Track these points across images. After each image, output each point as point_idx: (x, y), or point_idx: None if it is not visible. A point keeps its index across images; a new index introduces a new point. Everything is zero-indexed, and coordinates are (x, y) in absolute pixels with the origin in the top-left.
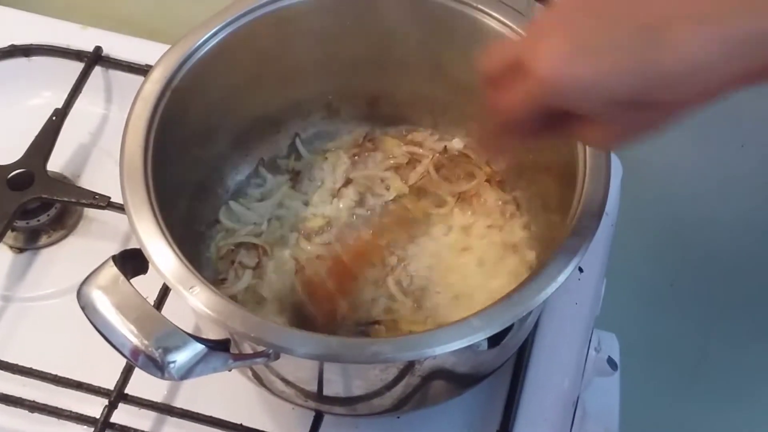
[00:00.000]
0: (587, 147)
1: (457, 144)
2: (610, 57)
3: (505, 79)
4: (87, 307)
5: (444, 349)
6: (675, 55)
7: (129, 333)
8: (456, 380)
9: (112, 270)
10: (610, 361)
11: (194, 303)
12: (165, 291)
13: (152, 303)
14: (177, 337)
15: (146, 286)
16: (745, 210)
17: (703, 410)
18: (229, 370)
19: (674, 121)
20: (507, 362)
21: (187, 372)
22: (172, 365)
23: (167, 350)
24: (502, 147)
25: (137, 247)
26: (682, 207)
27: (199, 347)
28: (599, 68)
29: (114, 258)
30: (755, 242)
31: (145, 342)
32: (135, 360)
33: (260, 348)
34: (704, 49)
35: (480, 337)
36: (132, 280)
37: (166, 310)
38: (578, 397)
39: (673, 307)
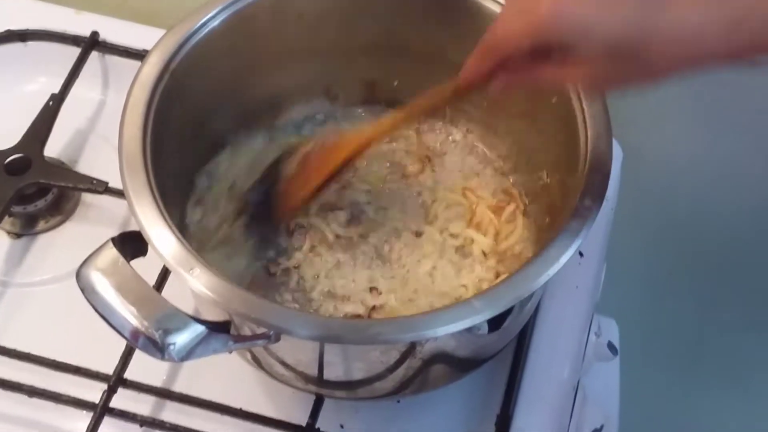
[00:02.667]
0: (589, 132)
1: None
2: (614, 4)
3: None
4: (86, 289)
5: (445, 330)
6: (673, 20)
7: (129, 314)
8: (457, 364)
9: (111, 252)
10: (610, 346)
11: (194, 284)
12: (165, 274)
13: (152, 285)
14: (177, 319)
15: (146, 268)
16: (743, 199)
17: (701, 394)
18: (230, 352)
19: (655, 82)
20: (508, 346)
21: (188, 353)
22: (172, 347)
23: (167, 332)
24: (487, 77)
25: (136, 228)
26: (681, 195)
27: (199, 329)
28: (602, 11)
29: (113, 240)
30: (754, 231)
31: (145, 323)
32: (135, 341)
33: (260, 330)
34: (700, 24)
35: (481, 318)
36: (132, 263)
37: (166, 293)
38: (578, 382)
39: (671, 294)
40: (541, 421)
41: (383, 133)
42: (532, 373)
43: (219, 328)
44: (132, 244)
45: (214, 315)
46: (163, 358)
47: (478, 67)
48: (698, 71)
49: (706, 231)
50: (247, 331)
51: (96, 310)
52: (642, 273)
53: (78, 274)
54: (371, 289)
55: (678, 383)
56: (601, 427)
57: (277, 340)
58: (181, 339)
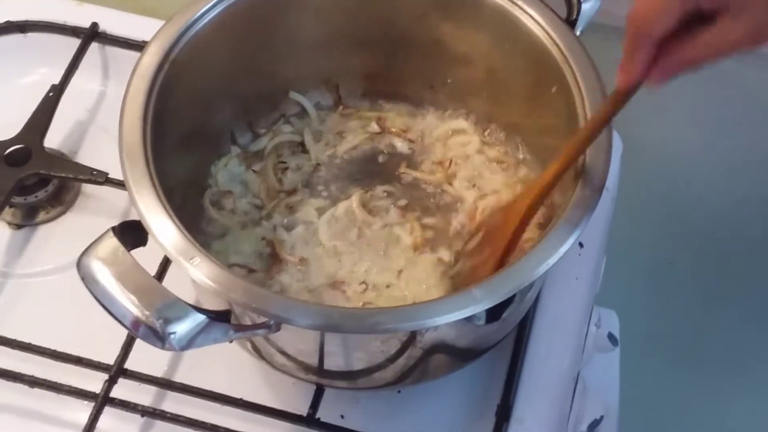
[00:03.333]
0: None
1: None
2: None
3: None
4: (87, 278)
5: (445, 320)
6: None
7: (130, 303)
8: (457, 354)
9: (112, 241)
10: (611, 337)
11: (195, 274)
12: (165, 264)
13: (153, 275)
14: (178, 308)
15: (147, 258)
16: (744, 190)
17: (701, 385)
18: (230, 341)
19: None
20: (508, 336)
21: (188, 343)
22: (172, 336)
23: (168, 321)
24: (646, 72)
25: (137, 218)
26: (681, 186)
27: (199, 318)
28: None
29: (114, 229)
30: (754, 222)
31: (146, 312)
32: (136, 331)
33: (261, 319)
34: None
35: (481, 307)
36: (133, 253)
37: (167, 282)
38: (579, 373)
39: (672, 285)
40: (541, 412)
41: (555, 175)
42: (532, 363)
43: (219, 318)
44: (132, 233)
45: (215, 304)
46: (163, 347)
47: (632, 63)
48: None
49: (707, 222)
50: (247, 320)
51: (96, 299)
52: (643, 264)
53: (78, 264)
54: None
55: (678, 374)
56: (601, 417)
57: (278, 329)
58: (181, 328)
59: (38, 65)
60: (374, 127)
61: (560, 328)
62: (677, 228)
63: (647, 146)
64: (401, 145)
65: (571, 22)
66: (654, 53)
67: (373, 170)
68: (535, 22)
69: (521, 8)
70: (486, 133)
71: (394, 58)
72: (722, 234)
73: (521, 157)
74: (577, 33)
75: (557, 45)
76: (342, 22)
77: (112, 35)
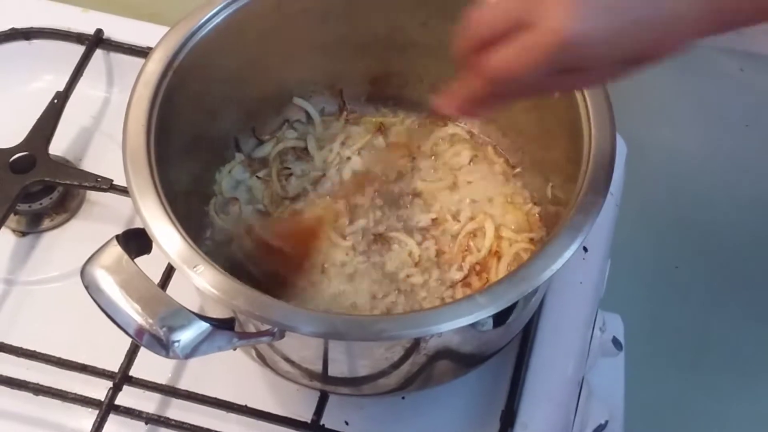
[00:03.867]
0: (593, 126)
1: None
2: (620, 15)
3: (496, 39)
4: (91, 287)
5: (449, 326)
6: (670, 9)
7: (133, 312)
8: (461, 359)
9: (116, 249)
10: (615, 342)
11: (198, 282)
12: (169, 271)
13: (156, 283)
14: (182, 316)
15: (151, 266)
16: (749, 191)
17: (707, 390)
18: (234, 349)
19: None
20: (512, 342)
21: (192, 351)
22: (176, 344)
23: (172, 329)
24: (480, 107)
25: (141, 226)
26: (687, 189)
27: (203, 326)
28: (612, 25)
29: (118, 237)
30: (760, 225)
31: (150, 321)
32: (140, 339)
33: (265, 327)
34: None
35: (486, 314)
36: (137, 261)
37: (171, 291)
38: (583, 377)
39: (677, 288)
40: (545, 417)
41: None
42: (536, 368)
43: (223, 325)
44: (136, 241)
45: (219, 312)
46: (167, 355)
47: (474, 102)
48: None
49: (713, 225)
50: (251, 328)
51: (101, 308)
52: (647, 269)
53: (82, 272)
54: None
55: (684, 378)
56: (606, 422)
57: (282, 337)
58: (185, 336)
59: (43, 72)
60: (380, 141)
61: (565, 333)
62: (682, 231)
63: (652, 149)
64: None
65: None
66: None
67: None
68: None
69: None
70: (488, 138)
71: (398, 63)
72: (728, 237)
73: (520, 163)
74: None
75: None
76: (346, 27)
77: (116, 42)
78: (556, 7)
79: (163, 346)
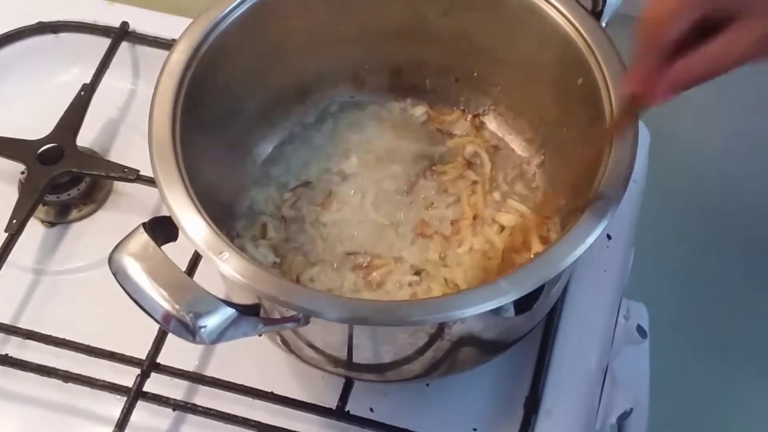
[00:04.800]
0: (615, 114)
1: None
2: None
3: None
4: (119, 273)
5: (473, 311)
6: None
7: (160, 298)
8: (485, 346)
9: (142, 237)
10: (639, 329)
11: (224, 268)
12: (195, 259)
13: (183, 270)
14: (208, 302)
15: (177, 254)
16: None
17: (733, 378)
18: (259, 335)
19: None
20: (536, 328)
21: (218, 336)
22: (203, 329)
23: (198, 315)
24: (657, 80)
25: (167, 214)
26: (712, 177)
27: (229, 311)
28: None
29: (144, 225)
30: None
31: (177, 307)
32: (167, 325)
33: (290, 313)
34: None
35: (509, 299)
36: (164, 248)
37: (197, 278)
38: (607, 365)
39: (702, 277)
40: (570, 404)
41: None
42: (560, 355)
43: (249, 311)
44: (163, 229)
45: (244, 298)
46: (194, 340)
47: (644, 69)
48: None
49: (737, 213)
50: (276, 314)
51: (128, 294)
52: (672, 258)
53: (110, 259)
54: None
55: (709, 367)
56: (631, 410)
57: (306, 323)
58: (211, 322)
59: (70, 65)
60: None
61: (588, 321)
62: (707, 220)
63: (676, 137)
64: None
65: (596, 14)
66: (664, 61)
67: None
68: (560, 13)
69: (546, 0)
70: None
71: (420, 52)
72: (753, 225)
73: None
74: (603, 24)
75: (583, 36)
76: (367, 16)
77: (141, 34)
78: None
79: (189, 331)
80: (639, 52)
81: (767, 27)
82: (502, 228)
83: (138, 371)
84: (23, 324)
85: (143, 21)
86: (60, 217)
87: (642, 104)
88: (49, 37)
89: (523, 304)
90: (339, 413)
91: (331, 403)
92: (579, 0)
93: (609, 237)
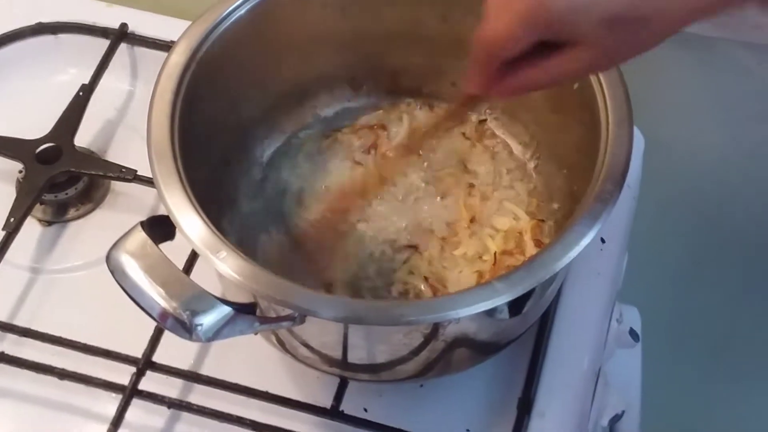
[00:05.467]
0: (610, 118)
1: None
2: None
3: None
4: (116, 271)
5: (467, 312)
6: None
7: (158, 296)
8: (479, 347)
9: (140, 235)
10: (632, 333)
11: (221, 267)
12: (192, 258)
13: (180, 269)
14: (204, 300)
15: (174, 252)
16: None
17: (726, 384)
18: (255, 333)
19: (659, 40)
20: (529, 330)
21: (215, 334)
22: (199, 327)
23: (195, 313)
24: (490, 85)
25: (165, 213)
26: (706, 182)
27: (226, 310)
28: None
29: (142, 224)
30: None
31: (174, 304)
32: (164, 322)
33: (285, 311)
34: None
35: (503, 300)
36: (161, 247)
37: (194, 276)
38: (600, 368)
39: (698, 283)
40: (562, 406)
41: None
42: (553, 357)
43: (245, 310)
44: (160, 227)
45: (241, 297)
46: (190, 338)
47: (482, 79)
48: (700, 17)
49: (732, 220)
50: (272, 312)
51: (125, 292)
52: (666, 263)
53: (108, 257)
54: None
55: (701, 371)
56: (623, 412)
57: (302, 322)
58: (208, 320)
59: (68, 65)
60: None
61: (582, 323)
62: (702, 226)
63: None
64: None
65: None
66: (498, 73)
67: None
68: None
69: None
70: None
71: (418, 56)
72: (748, 232)
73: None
74: None
75: None
76: (365, 20)
77: (140, 36)
78: None
79: (186, 329)
80: (476, 63)
81: (593, 56)
82: (498, 231)
83: (133, 369)
84: (20, 322)
85: (142, 23)
86: (57, 216)
87: (482, 101)
88: (49, 38)
89: (517, 306)
90: (333, 413)
91: (326, 402)
92: None
93: (603, 241)
